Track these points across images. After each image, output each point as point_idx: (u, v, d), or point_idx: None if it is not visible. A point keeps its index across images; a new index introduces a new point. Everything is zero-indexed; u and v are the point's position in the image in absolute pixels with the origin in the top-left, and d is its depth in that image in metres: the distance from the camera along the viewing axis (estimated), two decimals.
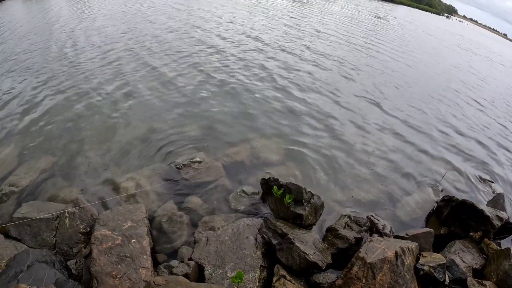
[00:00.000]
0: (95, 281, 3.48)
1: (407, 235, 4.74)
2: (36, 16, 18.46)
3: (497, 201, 6.18)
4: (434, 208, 5.79)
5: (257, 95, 9.32)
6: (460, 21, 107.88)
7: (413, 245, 4.12)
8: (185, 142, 6.74)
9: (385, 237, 4.50)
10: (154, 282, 3.19)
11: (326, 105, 9.39)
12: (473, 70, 19.96)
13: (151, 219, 4.77)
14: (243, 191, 5.49)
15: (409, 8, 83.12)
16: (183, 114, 7.86)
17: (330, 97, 10.02)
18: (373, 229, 4.97)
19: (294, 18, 24.58)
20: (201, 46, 13.51)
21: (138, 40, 13.70)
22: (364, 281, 3.52)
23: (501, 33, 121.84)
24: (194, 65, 11.17)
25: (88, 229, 4.37)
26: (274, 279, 3.77)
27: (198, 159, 6.11)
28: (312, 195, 4.90)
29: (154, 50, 12.44)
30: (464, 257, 4.59)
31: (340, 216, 5.03)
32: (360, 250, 3.84)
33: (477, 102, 13.03)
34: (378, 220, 5.10)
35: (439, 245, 4.94)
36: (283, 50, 14.47)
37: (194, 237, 4.46)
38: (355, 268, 3.62)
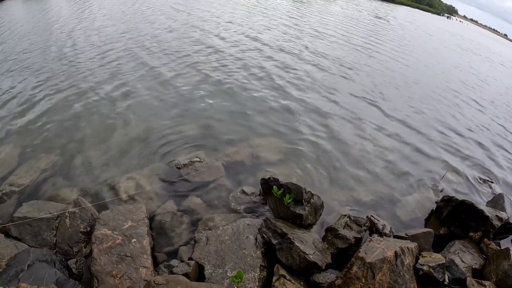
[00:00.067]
0: (96, 281, 3.49)
1: (407, 235, 4.74)
2: (36, 16, 18.48)
3: (496, 201, 6.18)
4: (434, 208, 5.79)
5: (256, 95, 9.33)
6: (460, 21, 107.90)
7: (412, 245, 4.13)
8: (185, 142, 6.75)
9: (384, 237, 4.51)
10: (154, 282, 3.20)
11: (325, 105, 9.40)
12: (473, 70, 19.96)
13: (151, 219, 4.78)
14: (243, 191, 5.51)
15: (409, 8, 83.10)
16: (183, 114, 7.87)
17: (329, 97, 10.03)
18: (372, 229, 4.97)
19: (294, 18, 24.59)
20: (201, 46, 13.52)
21: (138, 40, 13.72)
22: (363, 281, 3.53)
23: (502, 33, 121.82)
24: (193, 65, 11.19)
25: (89, 228, 4.38)
26: (274, 278, 3.78)
27: (198, 159, 6.12)
28: (312, 195, 4.92)
29: (154, 50, 12.46)
30: (464, 257, 4.60)
31: (340, 216, 5.03)
32: (360, 250, 3.85)
33: (477, 102, 13.04)
34: (378, 220, 5.10)
35: (438, 245, 4.94)
36: (282, 50, 14.48)
37: (194, 236, 4.47)
38: (354, 268, 3.63)
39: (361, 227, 4.72)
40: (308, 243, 4.16)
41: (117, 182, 5.50)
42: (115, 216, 4.34)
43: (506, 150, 9.04)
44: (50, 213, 4.46)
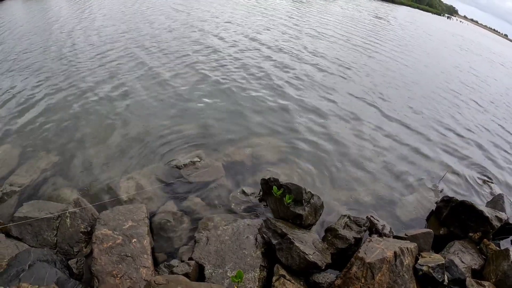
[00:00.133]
0: (96, 280, 3.49)
1: (407, 235, 4.75)
2: (36, 16, 18.47)
3: (496, 201, 6.19)
4: (434, 209, 5.80)
5: (256, 95, 9.34)
6: (460, 21, 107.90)
7: (412, 245, 4.14)
8: (184, 142, 6.76)
9: (384, 237, 4.52)
10: (154, 282, 3.21)
11: (325, 105, 9.41)
12: (473, 70, 19.96)
13: (151, 219, 4.79)
14: (243, 191, 5.52)
15: (409, 8, 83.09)
16: (183, 114, 7.89)
17: (329, 97, 10.04)
18: (372, 229, 4.99)
19: (293, 18, 24.59)
20: (200, 46, 13.53)
21: (138, 40, 13.73)
22: (363, 281, 3.55)
23: (502, 34, 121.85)
24: (193, 65, 11.19)
25: (89, 228, 4.39)
26: (274, 278, 3.79)
27: (198, 159, 6.13)
28: (312, 195, 4.93)
29: (153, 50, 12.46)
30: (463, 257, 4.61)
31: (340, 216, 5.04)
32: (360, 250, 3.86)
33: (476, 103, 13.05)
34: (378, 221, 5.11)
35: (438, 245, 4.96)
36: (282, 51, 14.48)
37: (194, 236, 4.48)
38: (354, 268, 3.64)
39: (361, 227, 4.73)
40: (308, 243, 4.17)
41: (117, 182, 5.51)
42: (116, 216, 4.35)
43: (506, 151, 9.05)
44: (50, 213, 4.47)
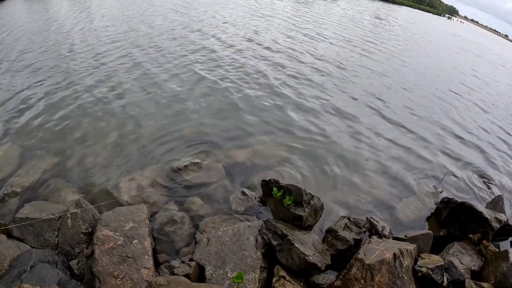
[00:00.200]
0: (97, 281, 3.52)
1: (406, 236, 4.77)
2: (36, 15, 18.52)
3: (496, 203, 6.20)
4: (434, 210, 5.82)
5: (257, 97, 9.36)
6: (461, 22, 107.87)
7: (411, 246, 4.16)
8: (185, 143, 6.79)
9: (384, 238, 4.54)
10: (155, 282, 3.23)
11: (325, 107, 9.43)
12: (474, 72, 19.96)
13: (152, 220, 4.81)
14: (244, 193, 5.54)
15: (410, 8, 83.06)
16: (184, 115, 7.91)
17: (329, 99, 10.05)
18: (372, 230, 5.01)
19: (293, 19, 24.60)
20: (199, 47, 13.55)
21: (137, 40, 13.77)
22: (362, 282, 3.57)
23: (503, 34, 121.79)
24: (193, 66, 11.22)
25: (90, 229, 4.41)
26: (274, 279, 3.81)
27: (199, 160, 6.15)
28: (312, 196, 4.95)
29: (153, 51, 12.50)
30: (463, 259, 4.62)
31: (340, 217, 5.06)
32: (359, 251, 3.88)
33: (476, 105, 13.04)
34: (378, 222, 5.13)
35: (438, 246, 4.97)
36: (281, 52, 14.49)
37: (195, 237, 4.50)
38: (353, 269, 3.67)
39: (361, 228, 4.75)
40: (308, 245, 4.19)
41: (118, 183, 5.54)
42: (117, 217, 4.38)
43: (506, 152, 9.06)
44: (52, 214, 4.50)
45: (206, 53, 12.84)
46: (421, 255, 4.33)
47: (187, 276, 3.71)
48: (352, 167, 6.82)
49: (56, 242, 4.27)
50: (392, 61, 17.19)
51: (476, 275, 4.51)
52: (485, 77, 19.14)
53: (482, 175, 7.47)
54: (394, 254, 3.78)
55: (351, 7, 44.02)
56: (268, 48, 14.79)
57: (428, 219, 5.73)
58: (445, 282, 3.94)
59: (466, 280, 4.11)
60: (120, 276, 3.58)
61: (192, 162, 6.06)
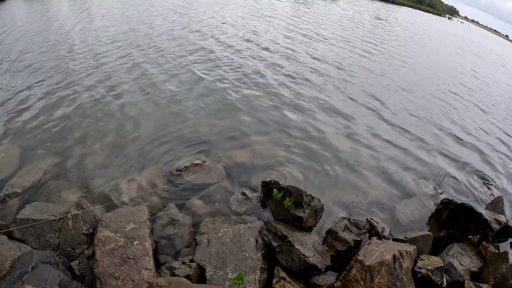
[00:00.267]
0: (98, 282, 3.53)
1: (406, 238, 4.79)
2: (36, 16, 18.54)
3: (496, 204, 6.21)
4: (433, 211, 5.84)
5: (257, 98, 9.37)
6: (461, 22, 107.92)
7: (411, 248, 4.18)
8: (186, 144, 6.80)
9: (383, 240, 4.55)
10: (156, 284, 3.25)
11: (325, 108, 9.44)
12: (474, 72, 19.97)
13: (153, 221, 4.82)
14: (244, 194, 5.55)
15: (410, 9, 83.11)
16: (184, 116, 7.93)
17: (329, 100, 10.06)
18: (372, 231, 5.02)
19: (292, 19, 24.61)
20: (200, 48, 13.56)
21: (137, 41, 13.79)
22: (362, 284, 3.59)
23: (503, 35, 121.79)
24: (193, 67, 11.24)
25: (91, 230, 4.43)
26: (274, 280, 3.83)
27: (199, 161, 6.16)
28: (312, 198, 4.97)
29: (154, 52, 12.52)
30: (462, 260, 4.64)
31: (340, 218, 5.07)
32: (359, 253, 3.90)
33: (476, 105, 13.05)
34: (377, 223, 5.15)
35: (437, 248, 4.98)
36: (281, 53, 14.49)
37: (196, 238, 4.51)
38: (353, 271, 3.69)
39: (361, 230, 4.76)
40: (308, 246, 4.21)
41: (119, 184, 5.55)
42: (117, 218, 4.39)
43: (506, 154, 9.06)
44: (53, 215, 4.51)
45: (205, 53, 12.86)
46: (421, 256, 4.34)
47: (187, 277, 3.73)
48: (352, 168, 6.83)
49: (57, 243, 4.29)
50: (392, 61, 17.20)
51: (476, 276, 4.52)
52: (485, 78, 19.15)
53: (482, 176, 7.48)
54: (394, 255, 3.80)
55: (351, 8, 44.03)
56: (267, 48, 14.80)
57: (428, 220, 5.74)
58: (445, 283, 3.95)
59: (466, 281, 4.12)
60: (121, 277, 3.60)
61: (192, 163, 6.07)
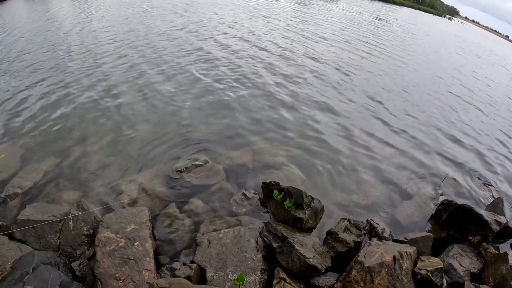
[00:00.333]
0: (99, 283, 3.54)
1: (406, 239, 4.80)
2: (37, 16, 18.56)
3: (496, 205, 6.22)
4: (434, 212, 5.84)
5: (256, 99, 9.38)
6: (462, 22, 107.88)
7: (411, 249, 4.19)
8: (186, 145, 6.81)
9: (384, 241, 4.56)
10: (157, 284, 3.26)
11: (325, 110, 9.44)
12: (474, 73, 19.97)
13: (153, 222, 4.83)
14: (244, 195, 5.56)
15: (411, 9, 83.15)
16: (185, 117, 7.93)
17: (329, 102, 10.06)
18: (372, 232, 5.02)
19: (292, 19, 24.64)
20: (200, 49, 13.58)
21: (138, 41, 13.80)
22: (362, 285, 3.59)
23: (503, 35, 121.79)
24: (192, 68, 11.24)
25: (92, 231, 4.44)
26: (275, 281, 3.84)
27: (200, 162, 6.17)
28: (313, 199, 4.98)
29: (154, 52, 12.53)
30: (462, 261, 4.64)
31: (340, 219, 5.08)
32: (359, 254, 3.91)
33: (477, 106, 13.06)
34: (378, 224, 5.15)
35: (437, 249, 4.99)
36: (281, 54, 14.50)
37: (196, 239, 4.52)
38: (353, 272, 3.69)
39: (361, 231, 4.77)
40: (308, 247, 4.22)
41: (119, 185, 5.56)
42: (118, 219, 4.40)
43: (506, 155, 9.07)
44: (53, 216, 4.52)
45: (204, 54, 12.86)
46: (421, 257, 4.35)
47: (188, 278, 3.74)
48: (352, 169, 6.84)
49: (58, 244, 4.30)
50: (391, 62, 17.20)
51: (476, 278, 4.53)
52: (485, 79, 19.14)
53: (482, 178, 7.48)
54: (394, 256, 3.81)
55: (351, 8, 44.04)
56: (267, 49, 14.81)
57: (428, 221, 5.76)
58: (445, 284, 3.96)
59: (466, 282, 4.13)
60: (121, 278, 3.60)
61: (192, 164, 6.08)
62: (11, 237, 4.27)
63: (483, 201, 6.65)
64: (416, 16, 63.17)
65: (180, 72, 10.73)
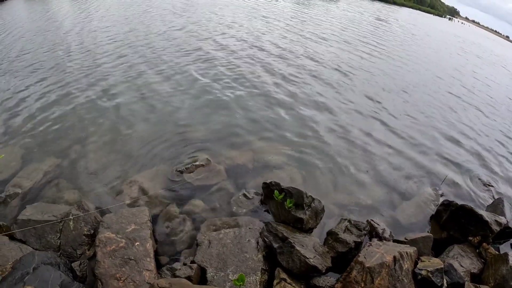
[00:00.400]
0: (100, 283, 3.54)
1: (406, 239, 4.80)
2: (37, 16, 18.56)
3: (496, 205, 6.22)
4: (434, 213, 5.85)
5: (256, 100, 9.37)
6: (462, 23, 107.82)
7: (411, 249, 4.19)
8: (187, 145, 6.81)
9: (384, 241, 4.56)
10: (157, 285, 3.26)
11: (325, 111, 9.44)
12: (475, 73, 19.96)
13: (154, 222, 4.83)
14: (245, 195, 5.56)
15: (411, 10, 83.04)
16: (185, 117, 7.93)
17: (329, 102, 10.06)
18: (372, 233, 5.03)
19: (292, 20, 24.63)
20: (199, 49, 13.55)
21: (138, 42, 13.79)
22: (362, 285, 3.59)
23: (504, 35, 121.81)
24: (192, 68, 11.23)
25: (92, 231, 4.44)
26: (275, 282, 3.84)
27: (200, 163, 6.17)
28: (313, 199, 4.98)
29: (154, 53, 12.52)
30: (463, 261, 4.65)
31: (340, 220, 5.09)
32: (359, 254, 3.91)
33: (476, 107, 13.05)
34: (378, 224, 5.15)
35: (438, 249, 5.00)
36: (280, 54, 14.48)
37: (197, 240, 4.52)
38: (354, 272, 3.69)
39: (361, 231, 4.78)
40: (309, 247, 4.22)
41: (120, 185, 5.57)
42: (118, 219, 4.40)
43: (506, 156, 9.07)
44: (54, 216, 4.53)
45: (204, 55, 12.84)
46: (421, 257, 4.35)
47: (188, 278, 3.74)
48: (352, 169, 6.84)
49: (59, 244, 4.30)
50: (392, 63, 17.19)
51: (476, 278, 4.53)
52: (485, 79, 19.13)
53: (482, 178, 7.48)
54: (394, 257, 3.81)
55: (352, 8, 44.02)
56: (266, 50, 14.78)
57: (428, 221, 5.76)
58: (445, 285, 3.97)
59: (466, 283, 4.13)
60: (122, 278, 3.61)
61: (193, 164, 6.08)
62: (12, 237, 4.27)
63: (483, 201, 6.65)
64: (416, 17, 63.13)
65: (180, 72, 10.72)
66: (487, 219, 4.99)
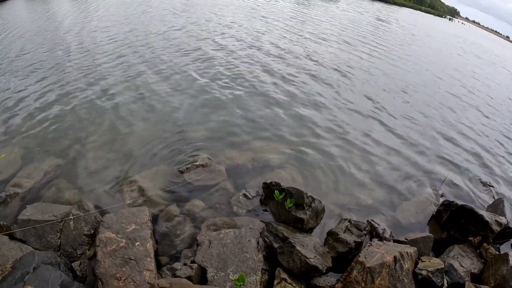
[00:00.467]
0: (100, 283, 3.54)
1: (407, 239, 4.79)
2: (37, 16, 18.56)
3: (497, 205, 6.22)
4: (434, 213, 5.85)
5: (256, 100, 9.37)
6: (462, 23, 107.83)
7: (412, 249, 4.19)
8: (187, 145, 6.81)
9: (384, 241, 4.56)
10: (158, 285, 3.26)
11: (325, 111, 9.44)
12: (475, 74, 19.96)
13: (154, 222, 4.82)
14: (245, 195, 5.56)
15: (411, 10, 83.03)
16: (185, 117, 7.93)
17: (329, 103, 10.05)
18: (373, 233, 5.02)
19: (292, 20, 24.61)
20: (199, 49, 13.54)
21: (138, 42, 13.77)
22: (363, 285, 3.59)
23: (504, 36, 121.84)
24: (192, 69, 11.22)
25: (92, 231, 4.43)
26: (275, 282, 3.84)
27: (201, 163, 6.16)
28: (313, 199, 4.97)
29: (154, 53, 12.50)
30: (463, 261, 4.64)
31: (341, 220, 5.09)
32: (360, 254, 3.91)
33: (477, 107, 13.05)
34: (378, 225, 5.15)
35: (438, 249, 5.00)
36: (280, 54, 14.46)
37: (197, 240, 4.52)
38: (354, 272, 3.69)
39: (362, 231, 4.78)
40: (309, 247, 4.22)
41: (120, 185, 5.57)
42: (119, 219, 4.40)
43: (506, 156, 9.07)
44: (54, 216, 4.53)
45: (203, 55, 12.82)
46: (422, 258, 4.35)
47: (189, 278, 3.74)
48: (353, 170, 6.84)
49: (59, 244, 4.30)
50: (392, 63, 17.18)
51: (476, 278, 4.53)
52: (486, 79, 19.13)
53: (482, 178, 7.48)
54: (395, 257, 3.81)
55: (351, 9, 44.00)
56: (266, 50, 14.75)
57: (428, 222, 5.76)
58: (445, 285, 3.97)
59: (466, 283, 4.13)
60: (122, 278, 3.60)
61: (193, 164, 6.08)
62: (12, 236, 4.27)
63: (483, 202, 6.65)
64: (416, 17, 63.12)
65: (179, 72, 10.71)
66: (487, 219, 4.99)
